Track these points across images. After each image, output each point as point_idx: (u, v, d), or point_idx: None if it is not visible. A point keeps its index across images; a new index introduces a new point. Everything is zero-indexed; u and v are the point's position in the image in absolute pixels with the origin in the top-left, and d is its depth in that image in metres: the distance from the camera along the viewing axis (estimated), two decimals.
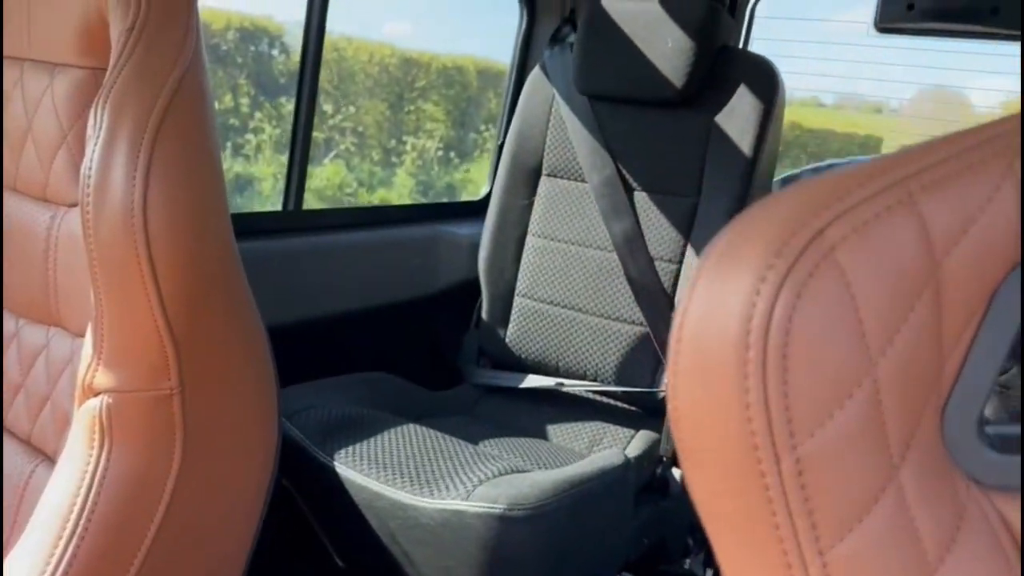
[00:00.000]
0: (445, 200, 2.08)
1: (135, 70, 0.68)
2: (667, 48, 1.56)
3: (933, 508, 0.37)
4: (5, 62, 0.85)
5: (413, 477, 1.23)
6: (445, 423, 1.58)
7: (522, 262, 1.73)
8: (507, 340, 1.72)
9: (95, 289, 0.68)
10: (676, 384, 0.36)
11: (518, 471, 1.26)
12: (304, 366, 1.52)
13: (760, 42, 2.11)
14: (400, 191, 6.09)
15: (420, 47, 6.01)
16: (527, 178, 1.74)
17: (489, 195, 2.07)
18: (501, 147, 2.04)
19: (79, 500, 0.70)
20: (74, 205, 0.80)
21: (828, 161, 2.19)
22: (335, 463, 1.27)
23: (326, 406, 1.40)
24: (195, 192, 0.68)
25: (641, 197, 1.63)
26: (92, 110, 0.68)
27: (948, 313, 0.36)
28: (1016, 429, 0.39)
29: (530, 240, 1.73)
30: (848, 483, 0.35)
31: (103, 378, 0.71)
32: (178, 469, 0.74)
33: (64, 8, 0.78)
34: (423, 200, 6.30)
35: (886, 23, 1.74)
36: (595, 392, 1.65)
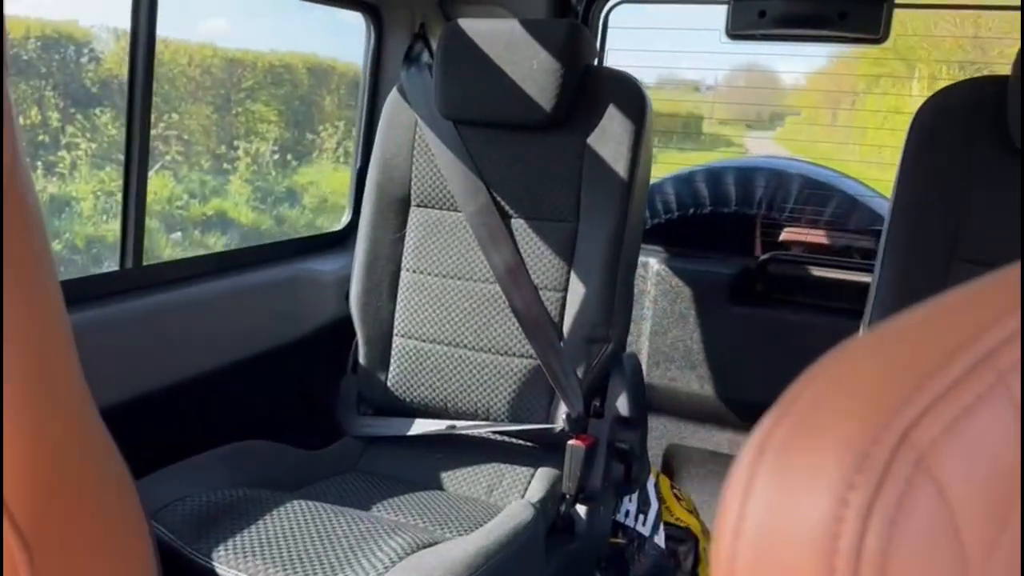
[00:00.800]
0: (304, 235, 1.92)
1: None
2: (532, 70, 1.50)
3: None
4: None
5: (308, 568, 1.11)
6: (331, 488, 1.46)
7: (398, 299, 1.63)
8: (389, 384, 1.61)
9: None
10: None
11: (423, 545, 1.17)
12: (166, 444, 1.35)
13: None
14: (235, 199, 5.75)
15: (242, 46, 5.67)
16: (396, 210, 1.63)
17: (351, 225, 1.94)
18: (360, 172, 1.92)
19: None
20: None
21: (690, 168, 2.22)
22: (214, 563, 1.13)
23: (195, 494, 1.25)
24: (26, 268, 0.53)
25: (519, 224, 1.56)
26: None
27: None
28: None
29: (405, 276, 1.63)
30: None
31: None
32: None
33: None
34: (262, 207, 5.98)
35: (738, 30, 1.76)
36: (489, 432, 1.58)
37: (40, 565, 0.57)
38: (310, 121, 6.27)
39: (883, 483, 0.27)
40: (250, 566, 1.12)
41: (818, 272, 1.93)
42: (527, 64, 1.50)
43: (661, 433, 2.02)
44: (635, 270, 1.59)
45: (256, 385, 1.69)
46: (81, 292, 1.37)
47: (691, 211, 2.12)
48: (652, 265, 1.96)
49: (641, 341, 1.98)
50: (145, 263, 1.51)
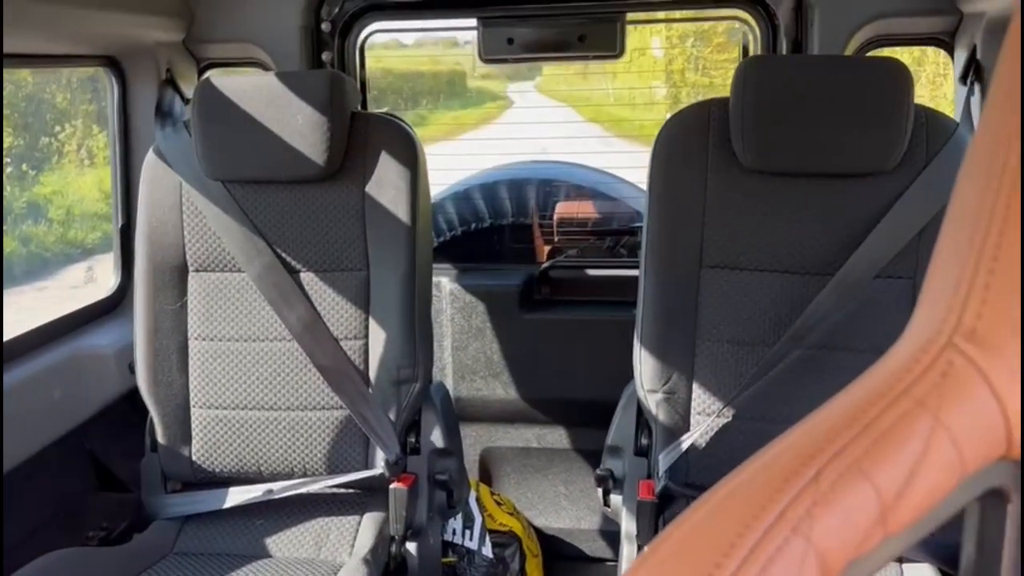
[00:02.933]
0: (73, 310, 1.78)
1: None
2: (299, 124, 1.47)
3: None
4: None
5: None
6: None
7: (191, 370, 1.56)
8: (194, 458, 1.56)
9: None
10: None
11: None
12: None
13: None
14: None
15: None
16: (173, 277, 1.55)
17: (121, 288, 1.83)
18: (123, 231, 1.80)
19: None
20: None
21: (465, 182, 2.27)
22: None
23: None
24: None
25: (310, 278, 1.55)
26: None
27: None
28: None
29: (194, 344, 1.56)
30: None
31: None
32: None
33: None
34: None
35: (490, 55, 1.83)
36: (310, 489, 1.58)
37: None
38: (42, 123, 5.67)
39: None
40: None
41: (593, 272, 2.08)
42: (292, 119, 1.47)
43: (474, 440, 2.11)
44: (431, 304, 1.63)
45: (46, 480, 1.57)
46: None
47: (473, 226, 2.19)
48: (445, 284, 2.02)
49: (445, 358, 2.04)
50: None
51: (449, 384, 2.02)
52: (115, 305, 1.80)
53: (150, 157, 1.56)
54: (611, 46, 1.80)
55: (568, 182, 2.27)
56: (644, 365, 1.44)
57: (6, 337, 1.54)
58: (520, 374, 2.02)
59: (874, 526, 0.43)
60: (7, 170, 5.52)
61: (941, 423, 0.44)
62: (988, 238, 0.47)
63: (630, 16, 1.89)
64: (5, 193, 5.55)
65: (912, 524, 0.44)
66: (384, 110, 1.68)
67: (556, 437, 2.10)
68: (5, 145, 5.55)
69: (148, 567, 1.46)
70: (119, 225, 1.81)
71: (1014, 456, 0.45)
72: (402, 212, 1.51)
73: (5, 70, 1.62)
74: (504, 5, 1.85)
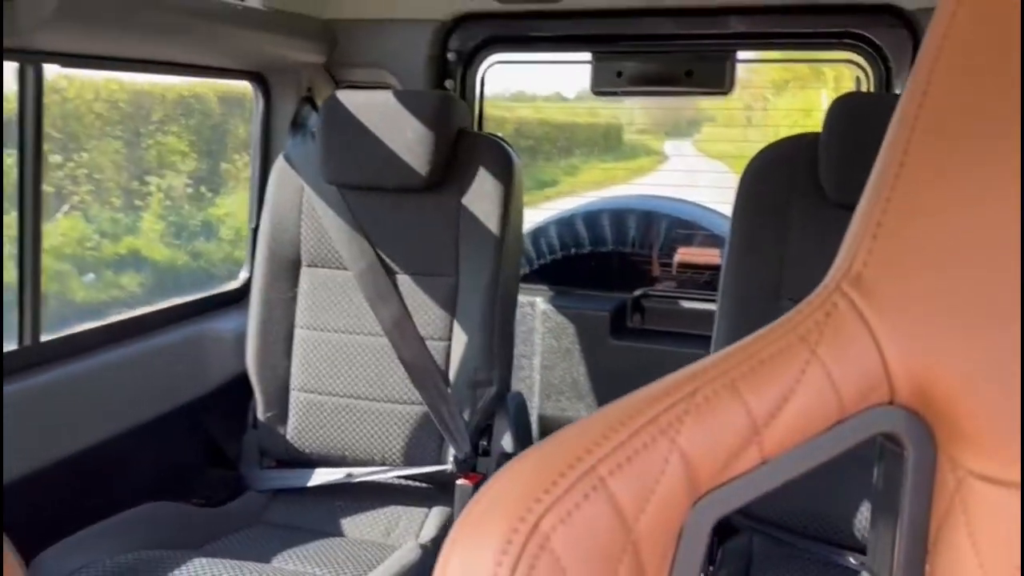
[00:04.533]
0: (203, 295, 1.99)
1: None
2: (407, 138, 1.61)
3: None
4: None
5: None
6: (235, 544, 1.54)
7: (294, 356, 1.71)
8: (288, 437, 1.70)
9: None
10: None
11: None
12: (71, 514, 1.41)
13: None
14: (149, 237, 5.68)
15: (150, 79, 5.63)
16: (287, 270, 1.72)
17: (249, 281, 2.02)
18: (255, 231, 2.00)
19: None
20: None
21: (570, 210, 2.37)
22: None
23: (96, 561, 1.31)
24: None
25: (404, 280, 1.67)
26: None
27: (647, 561, 0.45)
28: None
29: (299, 332, 1.72)
30: None
31: None
32: None
33: None
34: (176, 243, 5.92)
35: (600, 87, 1.92)
36: (385, 477, 1.68)
37: None
38: (223, 150, 6.23)
39: (520, 556, 0.42)
40: None
41: (687, 304, 2.09)
42: (403, 133, 1.61)
43: None
44: (514, 315, 1.72)
45: (161, 446, 1.75)
46: None
47: (572, 251, 2.26)
48: (539, 304, 2.10)
49: (533, 375, 2.11)
50: (43, 338, 1.56)
51: (535, 401, 2.08)
52: (242, 296, 2.00)
53: (279, 162, 1.75)
54: (719, 83, 1.84)
55: (670, 215, 2.30)
56: None
57: (142, 311, 1.76)
58: (604, 398, 2.05)
59: (746, 444, 0.47)
60: (187, 190, 6.10)
61: (817, 357, 0.47)
62: (882, 193, 0.51)
63: (756, 56, 1.92)
64: (182, 211, 6.13)
65: (787, 448, 0.48)
66: (499, 137, 1.79)
67: None
68: (189, 168, 6.13)
69: (235, 531, 1.60)
70: (253, 225, 2.01)
71: (903, 403, 0.48)
72: (493, 224, 1.61)
73: (177, 78, 1.85)
74: (618, 42, 1.94)
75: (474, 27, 2.02)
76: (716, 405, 0.47)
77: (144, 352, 1.72)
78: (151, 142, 5.85)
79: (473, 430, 1.61)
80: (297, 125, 1.85)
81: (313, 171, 1.70)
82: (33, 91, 1.42)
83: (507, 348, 1.67)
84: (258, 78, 1.94)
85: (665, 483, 0.46)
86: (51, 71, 1.50)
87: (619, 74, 1.87)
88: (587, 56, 1.95)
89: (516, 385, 1.99)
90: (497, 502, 0.46)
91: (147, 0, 1.47)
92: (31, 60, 1.40)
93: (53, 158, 4.63)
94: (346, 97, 1.66)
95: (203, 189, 6.15)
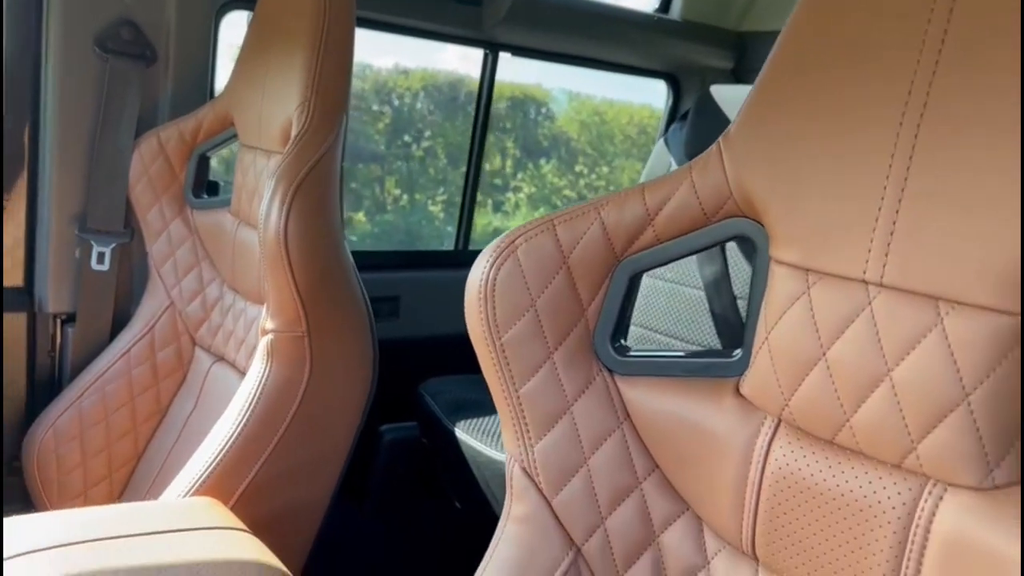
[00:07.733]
0: None
1: (294, 156, 1.25)
2: None
3: (572, 373, 0.80)
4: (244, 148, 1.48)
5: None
6: None
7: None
8: None
9: (263, 276, 1.25)
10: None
11: None
12: (453, 367, 2.04)
13: None
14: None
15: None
16: None
17: None
18: None
19: (251, 396, 1.26)
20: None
21: None
22: (456, 430, 1.76)
23: (457, 391, 1.90)
24: (316, 223, 1.23)
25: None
26: (269, 179, 1.26)
27: (581, 283, 0.80)
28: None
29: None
30: (525, 357, 0.80)
31: (268, 324, 1.27)
32: (306, 383, 1.28)
33: (275, 118, 1.39)
34: None
35: None
36: None
37: (311, 321, 1.25)
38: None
39: (499, 256, 0.90)
40: (473, 434, 1.73)
41: None
42: None
43: None
44: None
45: None
46: (426, 261, 2.14)
47: None
48: None
49: None
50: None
51: None
52: None
53: (659, 144, 2.17)
54: None
55: None
56: None
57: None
58: None
59: (644, 224, 0.80)
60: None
61: (690, 178, 0.78)
62: (754, 98, 0.83)
63: None
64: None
65: (673, 235, 0.79)
66: None
67: None
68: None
69: None
70: None
71: (753, 216, 0.76)
72: None
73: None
74: None
75: None
76: (627, 199, 0.80)
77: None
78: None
79: None
80: (683, 115, 2.25)
81: (679, 153, 2.08)
82: (489, 72, 2.10)
83: None
84: (671, 78, 2.38)
85: (589, 236, 0.81)
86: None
87: None
88: None
89: None
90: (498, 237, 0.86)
91: (587, 8, 2.03)
92: (491, 49, 2.07)
93: (581, 167, 5.67)
94: (717, 91, 2.01)
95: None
